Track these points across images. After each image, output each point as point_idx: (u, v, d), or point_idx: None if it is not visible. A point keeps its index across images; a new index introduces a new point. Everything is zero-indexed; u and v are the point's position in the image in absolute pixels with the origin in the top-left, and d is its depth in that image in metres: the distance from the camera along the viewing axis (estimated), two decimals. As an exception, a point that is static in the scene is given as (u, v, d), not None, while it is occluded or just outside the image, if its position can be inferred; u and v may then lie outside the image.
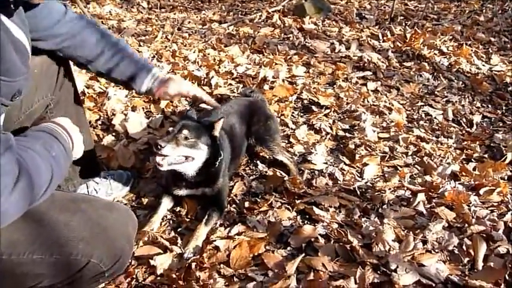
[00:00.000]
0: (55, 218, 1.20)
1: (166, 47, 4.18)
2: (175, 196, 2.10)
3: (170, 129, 1.91)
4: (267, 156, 2.46)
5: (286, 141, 2.71)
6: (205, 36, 4.57)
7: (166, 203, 2.09)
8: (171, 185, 2.07)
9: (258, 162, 2.48)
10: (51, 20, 1.60)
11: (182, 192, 2.07)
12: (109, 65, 1.75)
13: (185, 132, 1.88)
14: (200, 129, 1.94)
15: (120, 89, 3.15)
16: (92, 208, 1.29)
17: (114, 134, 2.72)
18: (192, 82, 3.36)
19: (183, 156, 1.89)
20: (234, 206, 2.15)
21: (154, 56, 3.91)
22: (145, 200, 2.18)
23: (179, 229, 2.02)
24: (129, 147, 2.55)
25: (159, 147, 1.79)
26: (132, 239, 1.37)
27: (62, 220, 1.21)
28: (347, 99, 3.20)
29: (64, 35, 1.64)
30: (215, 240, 1.88)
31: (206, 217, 1.97)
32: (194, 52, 3.98)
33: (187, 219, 2.06)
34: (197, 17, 5.56)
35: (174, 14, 5.74)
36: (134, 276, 1.74)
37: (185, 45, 4.24)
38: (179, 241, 1.90)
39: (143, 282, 1.72)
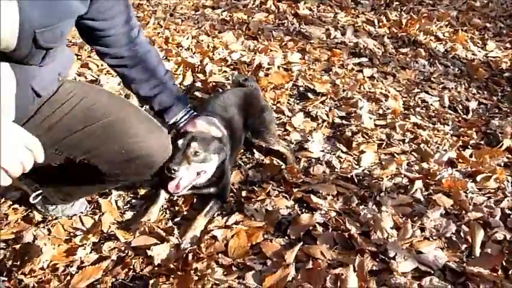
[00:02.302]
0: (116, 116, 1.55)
1: (158, 33, 4.11)
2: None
3: (179, 142, 1.80)
4: (263, 145, 2.44)
5: (283, 129, 2.70)
6: (198, 22, 4.50)
7: (164, 194, 2.07)
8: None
9: (255, 150, 2.46)
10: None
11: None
12: (149, 93, 1.76)
13: (194, 145, 1.80)
14: (207, 136, 1.88)
15: (112, 76, 3.11)
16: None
17: (107, 123, 2.67)
18: (186, 69, 3.32)
19: (195, 173, 1.86)
20: (231, 195, 2.14)
21: (146, 43, 3.85)
22: (141, 191, 2.16)
23: (176, 219, 2.01)
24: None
25: (172, 171, 1.70)
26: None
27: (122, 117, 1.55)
28: (343, 86, 3.19)
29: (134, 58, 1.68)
30: (212, 230, 1.87)
31: (207, 208, 1.95)
32: (187, 38, 3.92)
33: (185, 209, 2.05)
34: (189, 2, 5.45)
35: (166, -1, 5.64)
36: (131, 266, 1.73)
37: (178, 32, 4.17)
38: (176, 231, 1.88)
39: (140, 273, 1.71)
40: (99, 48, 1.64)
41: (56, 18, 1.25)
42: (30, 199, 1.90)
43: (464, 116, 3.01)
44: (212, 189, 2.04)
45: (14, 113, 1.36)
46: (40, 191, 1.90)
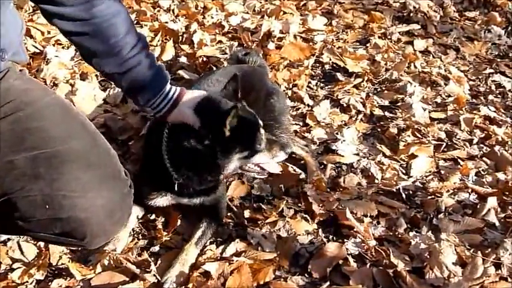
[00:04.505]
0: None
1: (128, -12, 4.13)
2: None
3: (264, 137, 1.95)
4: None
5: (301, 124, 2.72)
6: (183, -28, 4.52)
7: (139, 211, 2.08)
8: (149, 193, 2.03)
9: (262, 152, 2.47)
10: None
11: (166, 201, 2.05)
12: (116, 70, 1.78)
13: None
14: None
15: (63, 47, 3.12)
16: None
17: (56, 112, 2.69)
18: (166, 39, 3.33)
19: None
20: (229, 214, 2.14)
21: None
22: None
23: (152, 247, 2.00)
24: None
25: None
26: None
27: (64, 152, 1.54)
28: (386, 64, 3.21)
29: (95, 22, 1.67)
30: (204, 264, 1.87)
31: (199, 233, 1.96)
32: (168, -4, 3.94)
33: (165, 233, 2.05)
34: None
35: None
36: (90, 313, 1.74)
37: (155, -14, 4.19)
38: (153, 265, 1.88)
39: (103, 323, 1.72)
40: (46, 7, 1.62)
41: None
42: None
43: (556, 108, 3.02)
44: (201, 200, 2.04)
45: None
46: None
